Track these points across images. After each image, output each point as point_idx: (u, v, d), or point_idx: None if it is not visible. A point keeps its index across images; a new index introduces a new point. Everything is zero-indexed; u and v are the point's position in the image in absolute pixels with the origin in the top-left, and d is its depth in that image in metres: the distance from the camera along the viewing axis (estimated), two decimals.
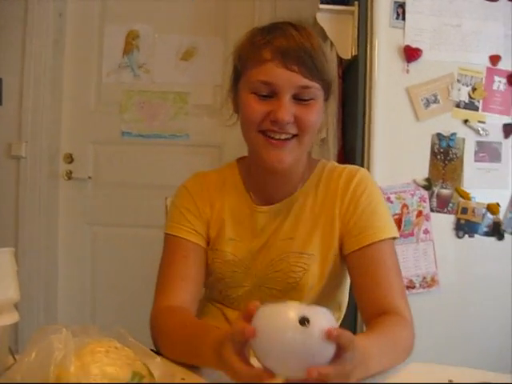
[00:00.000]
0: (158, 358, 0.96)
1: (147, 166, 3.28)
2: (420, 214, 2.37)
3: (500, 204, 2.42)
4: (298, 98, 1.28)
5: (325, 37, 2.59)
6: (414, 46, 2.35)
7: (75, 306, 3.30)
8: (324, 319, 0.87)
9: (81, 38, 3.29)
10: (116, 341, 0.94)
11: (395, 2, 2.35)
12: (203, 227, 1.43)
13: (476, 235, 2.41)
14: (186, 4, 3.29)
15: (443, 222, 2.40)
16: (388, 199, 2.34)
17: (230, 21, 3.20)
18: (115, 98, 3.29)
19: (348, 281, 1.48)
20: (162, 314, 1.31)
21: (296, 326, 0.84)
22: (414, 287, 2.36)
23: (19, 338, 1.75)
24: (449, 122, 2.39)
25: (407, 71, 2.36)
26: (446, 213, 2.39)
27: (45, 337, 0.89)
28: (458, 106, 2.39)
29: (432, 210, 2.38)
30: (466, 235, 2.40)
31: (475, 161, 2.40)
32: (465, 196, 2.39)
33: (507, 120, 2.41)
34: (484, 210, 2.40)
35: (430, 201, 2.38)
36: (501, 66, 2.40)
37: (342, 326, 0.90)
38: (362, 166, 2.37)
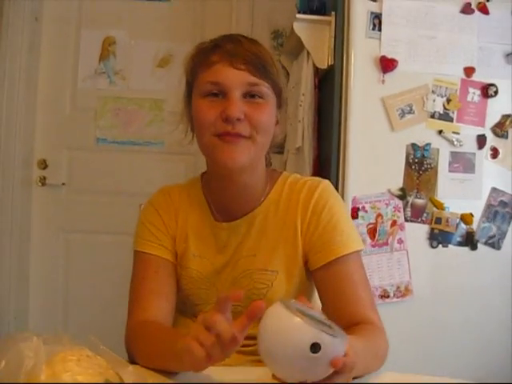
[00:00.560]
0: (131, 367, 0.95)
1: (122, 172, 3.27)
2: (394, 223, 2.38)
3: (473, 214, 2.44)
4: (248, 97, 1.28)
5: (301, 46, 2.60)
6: (389, 56, 2.37)
7: (47, 313, 3.26)
8: (335, 344, 0.88)
9: (57, 43, 3.26)
10: (87, 349, 0.93)
11: (371, 13, 2.37)
12: (171, 242, 1.42)
13: (450, 245, 2.43)
14: (163, 11, 3.28)
15: (417, 232, 2.41)
16: (363, 208, 2.35)
17: (206, 28, 3.21)
18: (90, 104, 3.27)
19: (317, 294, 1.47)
20: (138, 328, 1.30)
21: (306, 353, 0.85)
22: (388, 296, 2.37)
23: None
24: (423, 133, 2.41)
25: (383, 82, 2.37)
26: (420, 222, 2.41)
27: (14, 345, 0.87)
28: (432, 116, 2.41)
29: (406, 220, 2.40)
30: (440, 245, 2.42)
31: (449, 171, 2.42)
32: (439, 206, 2.40)
33: (481, 131, 2.44)
34: (458, 220, 2.42)
35: (405, 210, 2.39)
36: (475, 77, 2.42)
37: None
38: (337, 174, 2.38)
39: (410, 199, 2.39)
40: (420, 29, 2.39)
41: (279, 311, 0.90)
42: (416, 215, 2.40)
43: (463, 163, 2.43)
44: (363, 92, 2.36)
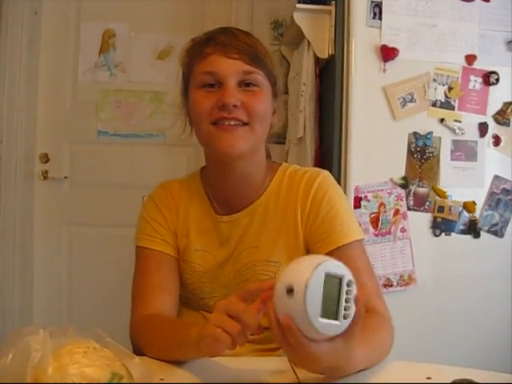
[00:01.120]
0: (137, 359, 0.95)
1: (124, 165, 3.26)
2: (397, 212, 2.38)
3: (476, 202, 2.43)
4: (243, 85, 1.29)
5: (302, 36, 2.59)
6: (390, 45, 2.36)
7: (51, 307, 3.27)
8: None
9: (56, 37, 3.26)
10: (94, 341, 0.93)
11: (372, 2, 2.36)
12: (172, 237, 1.42)
13: (452, 233, 2.43)
14: (163, 3, 3.28)
15: (420, 221, 2.41)
16: (365, 198, 2.35)
17: (206, 19, 3.20)
18: (91, 97, 3.27)
19: None
20: (143, 321, 1.31)
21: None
22: (391, 285, 2.37)
23: None
24: (425, 121, 2.40)
25: (384, 70, 2.37)
26: (422, 211, 2.41)
27: (21, 338, 0.87)
28: (434, 105, 2.40)
29: (409, 209, 2.40)
30: (443, 233, 2.42)
31: (451, 159, 2.41)
32: (441, 194, 2.40)
33: (483, 119, 2.43)
34: (460, 209, 2.42)
35: (407, 199, 2.39)
36: (476, 65, 2.42)
37: None
38: (339, 164, 2.38)
39: (413, 188, 2.39)
40: (421, 17, 2.38)
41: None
42: (418, 204, 2.40)
43: (465, 151, 2.42)
44: (364, 81, 2.36)
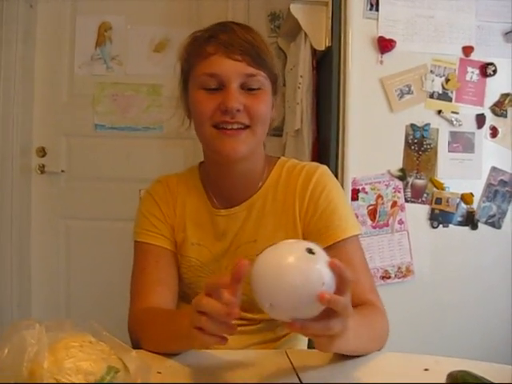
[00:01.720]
0: (133, 352, 0.95)
1: (121, 158, 3.26)
2: (395, 204, 2.38)
3: (474, 194, 2.43)
4: (245, 88, 1.29)
5: (299, 28, 2.58)
6: (387, 36, 2.35)
7: (49, 301, 3.27)
8: (325, 254, 0.90)
9: (52, 30, 3.24)
10: (90, 335, 0.93)
11: None
12: (170, 231, 1.42)
13: (450, 225, 2.43)
14: None
15: (418, 213, 2.41)
16: (363, 190, 2.35)
17: (203, 11, 3.18)
18: (88, 90, 3.26)
19: None
20: (141, 314, 1.31)
21: (304, 253, 0.87)
22: (389, 277, 2.37)
23: None
24: (422, 113, 2.40)
25: (381, 62, 2.36)
26: (420, 203, 2.40)
27: (17, 332, 0.87)
28: (431, 96, 2.40)
29: (406, 201, 2.40)
30: (441, 225, 2.42)
31: (449, 151, 2.41)
32: (439, 186, 2.40)
33: (480, 110, 2.43)
34: (458, 200, 2.42)
35: (405, 191, 2.39)
36: (473, 56, 2.41)
37: None
38: (337, 156, 2.37)
39: (410, 180, 2.39)
40: (418, 8, 2.37)
41: (261, 254, 0.92)
42: (416, 196, 2.40)
43: (463, 143, 2.42)
44: (361, 73, 2.35)
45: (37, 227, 3.28)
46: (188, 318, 0.98)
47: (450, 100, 2.41)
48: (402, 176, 2.38)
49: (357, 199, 2.34)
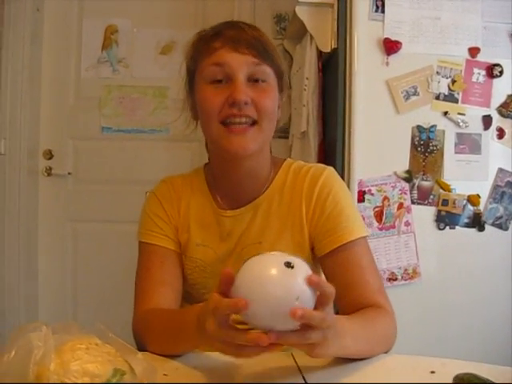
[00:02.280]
0: (140, 354, 0.95)
1: (127, 161, 3.27)
2: (401, 206, 2.38)
3: (480, 195, 2.43)
4: (252, 80, 1.29)
5: (304, 30, 2.58)
6: (393, 38, 2.35)
7: (56, 303, 3.28)
8: (307, 269, 0.89)
9: (59, 33, 3.26)
10: (96, 337, 0.93)
11: None
12: (174, 232, 1.42)
13: (457, 227, 2.42)
14: None
15: (424, 214, 2.41)
16: (369, 192, 2.35)
17: (209, 14, 3.19)
18: (94, 93, 3.27)
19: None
20: (146, 316, 1.31)
21: (281, 267, 0.86)
22: (395, 279, 2.37)
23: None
24: (429, 115, 2.39)
25: (387, 64, 2.36)
26: (426, 205, 2.40)
27: (24, 335, 0.88)
28: (437, 98, 2.39)
29: (413, 202, 2.39)
30: (447, 227, 2.41)
31: (455, 152, 2.41)
32: (445, 188, 2.40)
33: (486, 112, 2.42)
34: (464, 202, 2.42)
35: (411, 193, 2.38)
36: (480, 58, 2.41)
37: None
38: (343, 158, 2.37)
39: (417, 181, 2.39)
40: (423, 9, 2.37)
41: (246, 263, 0.92)
42: (423, 197, 2.39)
43: (469, 144, 2.42)
44: (367, 75, 2.35)
45: (44, 229, 3.29)
46: (193, 312, 0.99)
47: (456, 101, 2.40)
48: (409, 177, 2.38)
49: (363, 201, 2.34)
